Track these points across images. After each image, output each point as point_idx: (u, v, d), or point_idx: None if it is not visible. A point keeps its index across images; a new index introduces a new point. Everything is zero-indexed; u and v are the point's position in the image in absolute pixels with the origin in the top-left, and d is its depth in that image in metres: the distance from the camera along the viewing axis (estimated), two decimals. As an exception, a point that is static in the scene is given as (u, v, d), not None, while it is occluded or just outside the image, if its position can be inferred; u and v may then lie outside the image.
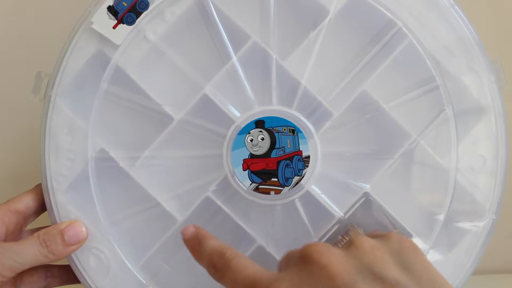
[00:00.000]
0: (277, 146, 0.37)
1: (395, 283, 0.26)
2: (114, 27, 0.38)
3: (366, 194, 0.38)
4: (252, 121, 0.38)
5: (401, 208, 0.38)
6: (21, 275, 0.39)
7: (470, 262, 0.39)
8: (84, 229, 0.38)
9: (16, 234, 0.40)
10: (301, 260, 0.28)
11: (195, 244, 0.33)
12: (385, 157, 0.38)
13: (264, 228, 0.39)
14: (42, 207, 0.40)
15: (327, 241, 0.38)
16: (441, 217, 0.38)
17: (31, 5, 0.51)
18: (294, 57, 0.38)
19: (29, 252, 0.37)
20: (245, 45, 0.38)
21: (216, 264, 0.31)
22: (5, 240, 0.39)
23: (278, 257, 0.38)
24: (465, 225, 0.39)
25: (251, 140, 0.37)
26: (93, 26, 0.38)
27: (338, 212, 0.38)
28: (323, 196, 0.38)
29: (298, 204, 0.38)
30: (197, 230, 0.34)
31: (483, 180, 0.39)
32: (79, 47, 0.38)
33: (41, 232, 0.38)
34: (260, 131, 0.38)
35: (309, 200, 0.38)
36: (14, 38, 0.51)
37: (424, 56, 0.38)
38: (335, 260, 0.27)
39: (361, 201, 0.38)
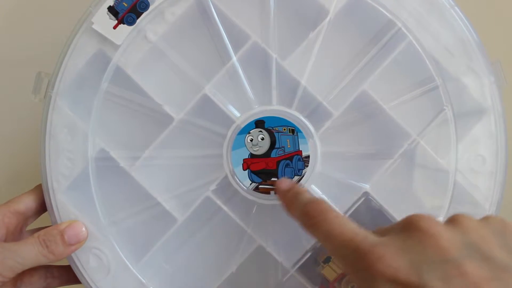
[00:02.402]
0: (277, 146, 0.37)
1: (503, 266, 0.25)
2: (115, 27, 0.38)
3: (365, 194, 0.38)
4: (252, 121, 0.38)
5: (401, 208, 0.38)
6: (21, 276, 0.39)
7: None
8: (84, 229, 0.38)
9: (16, 234, 0.40)
10: (405, 227, 0.27)
11: (291, 196, 0.33)
12: (385, 157, 0.38)
13: (264, 228, 0.39)
14: (42, 207, 0.40)
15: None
16: (441, 218, 0.38)
17: (31, 5, 0.51)
18: (294, 57, 0.38)
19: (29, 253, 0.37)
20: (245, 45, 0.38)
21: (311, 212, 0.30)
22: (6, 240, 0.39)
23: (278, 257, 0.38)
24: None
25: (251, 140, 0.38)
26: (94, 26, 0.38)
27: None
28: (323, 196, 0.38)
29: (298, 204, 0.38)
30: (295, 184, 0.34)
31: (483, 180, 0.39)
32: (80, 47, 0.38)
33: (41, 232, 0.38)
34: (260, 131, 0.38)
35: (309, 200, 0.38)
36: (14, 38, 0.51)
37: (424, 56, 0.38)
38: (444, 231, 0.26)
39: (360, 201, 0.38)
